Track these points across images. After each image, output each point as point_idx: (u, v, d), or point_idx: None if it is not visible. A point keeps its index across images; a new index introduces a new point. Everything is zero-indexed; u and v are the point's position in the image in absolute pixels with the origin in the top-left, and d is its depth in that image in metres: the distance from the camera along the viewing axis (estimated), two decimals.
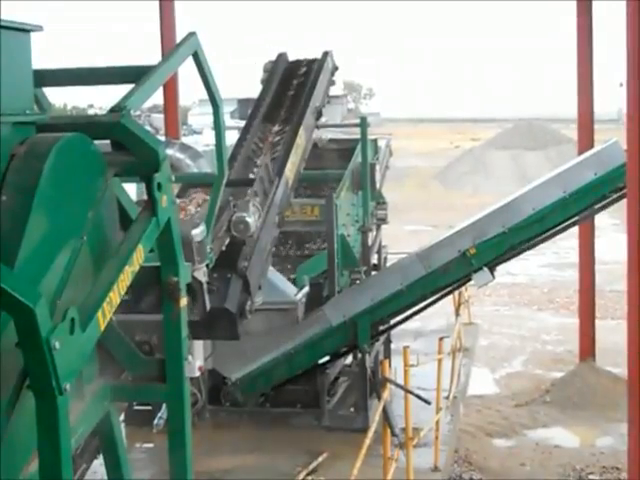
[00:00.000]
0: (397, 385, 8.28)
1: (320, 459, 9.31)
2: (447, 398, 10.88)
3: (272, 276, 9.83)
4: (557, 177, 10.44)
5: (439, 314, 16.30)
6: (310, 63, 11.23)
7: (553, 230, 10.49)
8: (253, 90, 10.97)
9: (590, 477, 12.11)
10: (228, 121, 14.01)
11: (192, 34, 5.72)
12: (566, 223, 10.51)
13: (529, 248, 10.76)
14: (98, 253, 4.28)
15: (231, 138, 10.14)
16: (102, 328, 3.76)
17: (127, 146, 4.40)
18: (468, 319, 15.50)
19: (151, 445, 9.90)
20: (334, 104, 12.97)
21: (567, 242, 22.61)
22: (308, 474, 8.99)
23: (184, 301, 4.64)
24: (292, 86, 10.90)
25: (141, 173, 4.44)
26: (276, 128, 10.28)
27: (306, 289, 10.30)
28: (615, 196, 10.14)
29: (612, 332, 16.01)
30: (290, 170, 9.73)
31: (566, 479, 12.05)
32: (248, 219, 8.53)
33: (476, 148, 61.52)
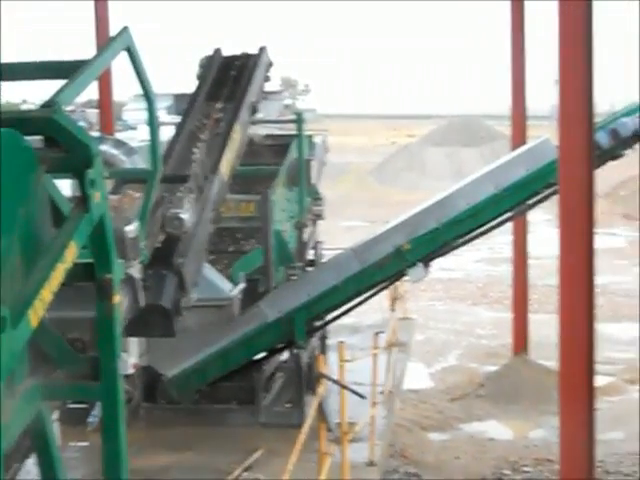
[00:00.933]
0: (332, 380, 8.31)
1: (256, 456, 9.30)
2: (383, 393, 10.93)
3: (208, 273, 9.78)
4: (490, 173, 10.56)
5: (375, 309, 16.39)
6: (245, 59, 11.20)
7: (487, 226, 10.61)
8: (189, 85, 10.93)
9: (523, 469, 12.28)
10: (164, 116, 13.92)
11: (125, 29, 5.69)
12: (499, 219, 10.63)
13: (463, 243, 10.86)
14: (30, 250, 4.23)
15: (167, 134, 10.10)
16: (34, 326, 3.72)
17: (59, 142, 4.35)
18: (404, 314, 15.59)
19: (86, 444, 9.80)
20: (270, 100, 12.92)
21: (501, 237, 22.81)
22: (243, 471, 8.98)
23: (117, 298, 4.61)
24: (227, 82, 10.86)
25: (73, 169, 4.40)
26: (211, 124, 10.24)
27: (242, 285, 10.28)
28: (547, 192, 10.28)
29: (545, 326, 16.20)
30: (225, 166, 9.69)
31: (500, 472, 12.21)
32: (183, 215, 8.49)
33: (412, 144, 61.86)
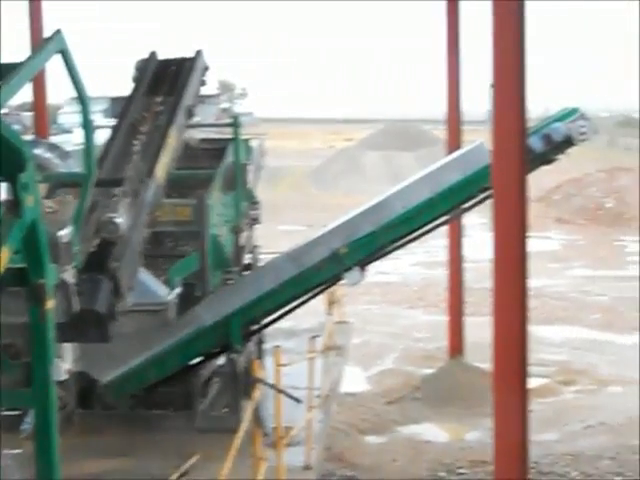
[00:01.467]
0: (268, 385, 8.30)
1: (192, 461, 9.25)
2: (319, 397, 10.95)
3: (143, 277, 9.73)
4: (426, 177, 10.64)
5: (312, 313, 16.41)
6: (181, 62, 11.15)
7: (423, 229, 10.69)
8: (126, 89, 10.86)
9: (459, 471, 12.38)
10: (101, 120, 13.84)
11: (58, 32, 5.64)
12: (435, 222, 10.72)
13: (400, 247, 10.92)
14: None
15: (103, 137, 10.02)
16: None
17: None
18: (341, 318, 15.64)
19: (19, 451, 9.67)
20: (207, 104, 12.93)
21: (437, 241, 23.00)
22: (180, 476, 8.92)
23: (51, 303, 4.57)
24: (163, 85, 10.81)
25: (5, 173, 4.36)
26: (147, 128, 10.18)
27: (178, 290, 10.24)
28: (481, 196, 10.40)
29: (481, 328, 16.29)
30: (161, 170, 9.64)
31: (436, 474, 12.29)
32: (118, 220, 8.43)
33: (349, 148, 62.09)
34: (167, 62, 11.11)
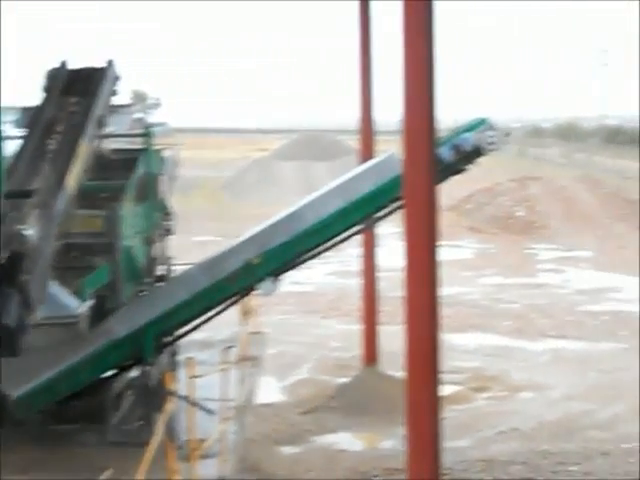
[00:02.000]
0: (180, 397, 8.26)
1: (104, 476, 9.12)
2: (234, 408, 10.91)
3: (54, 290, 9.60)
4: (338, 187, 10.71)
5: (227, 324, 16.36)
6: (92, 72, 11.07)
7: (336, 239, 10.75)
8: (36, 99, 10.72)
9: (374, 479, 12.43)
10: (11, 130, 13.57)
11: None
12: (348, 232, 10.79)
13: (313, 257, 10.97)
14: None
15: (13, 148, 9.87)
16: None
17: None
18: (255, 328, 15.60)
19: None
20: (120, 114, 12.74)
21: (352, 250, 23.14)
22: None
23: None
24: (73, 95, 10.71)
25: None
26: (57, 138, 10.07)
27: (90, 302, 10.12)
28: (393, 206, 10.49)
29: (395, 337, 16.44)
30: (72, 181, 9.55)
31: None
32: (28, 232, 8.33)
33: (264, 159, 62.17)
34: (78, 72, 11.01)
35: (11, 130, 12.43)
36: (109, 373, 10.69)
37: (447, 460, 12.15)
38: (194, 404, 8.35)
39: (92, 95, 10.63)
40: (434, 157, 8.01)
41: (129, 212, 11.18)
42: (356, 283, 20.92)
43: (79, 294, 10.36)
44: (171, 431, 7.64)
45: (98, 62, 11.34)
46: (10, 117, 12.87)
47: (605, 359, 18.70)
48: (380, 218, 11.10)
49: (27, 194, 8.74)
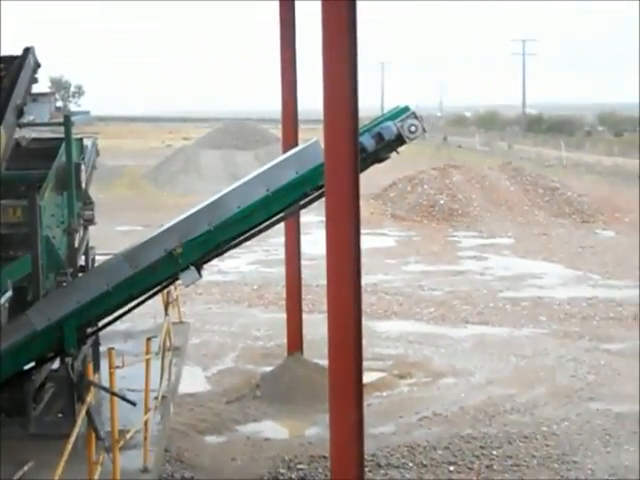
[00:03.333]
0: (101, 388, 8.18)
1: (25, 468, 9.02)
2: (157, 398, 10.85)
3: None
4: (261, 175, 10.67)
5: (150, 314, 16.25)
6: (10, 60, 10.89)
7: (258, 227, 10.71)
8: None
9: (299, 467, 12.49)
10: None
11: None
12: (271, 220, 10.76)
13: (236, 245, 10.92)
14: None
15: None
16: None
17: None
18: (179, 318, 15.54)
19: None
20: (41, 102, 12.55)
21: (277, 239, 23.17)
22: None
23: None
24: None
25: None
26: None
27: (9, 294, 9.96)
28: (316, 194, 10.49)
29: (320, 325, 16.54)
30: None
31: (276, 471, 12.36)
32: None
33: (187, 147, 61.84)
34: None
35: None
36: (30, 365, 10.53)
37: (370, 447, 12.31)
38: (115, 395, 8.27)
39: (10, 83, 10.45)
40: (356, 145, 8.05)
41: (49, 202, 11.01)
42: (280, 272, 20.97)
43: None
44: (93, 422, 7.57)
45: (17, 50, 11.17)
46: None
47: (526, 344, 19.02)
48: (303, 206, 11.09)
49: None
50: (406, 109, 10.95)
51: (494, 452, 12.94)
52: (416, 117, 10.87)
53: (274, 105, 19.57)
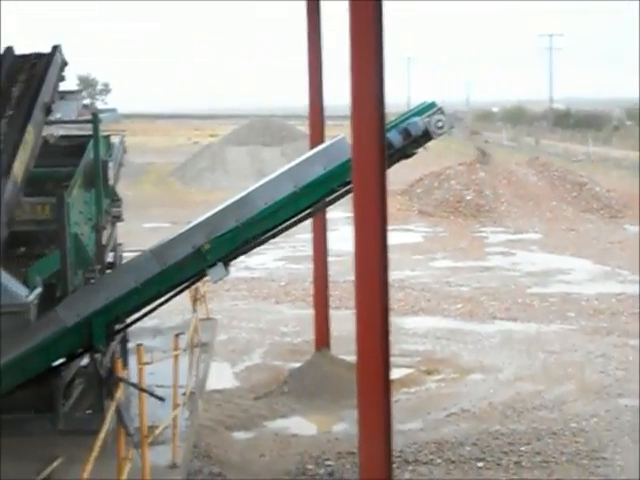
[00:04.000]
0: (130, 384, 8.21)
1: (55, 464, 9.08)
2: (185, 394, 10.89)
3: (2, 278, 9.50)
4: (288, 172, 10.68)
5: (178, 311, 16.33)
6: (38, 58, 10.94)
7: (286, 224, 10.73)
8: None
9: (327, 463, 12.49)
10: None
11: None
12: (298, 216, 10.77)
13: (263, 242, 10.94)
14: None
15: None
16: None
17: None
18: (206, 314, 15.58)
19: None
20: (68, 100, 12.63)
21: (303, 235, 23.17)
22: None
23: None
24: (19, 81, 10.58)
25: None
26: (3, 125, 9.94)
27: (38, 290, 10.02)
28: (343, 190, 10.49)
29: (347, 321, 16.52)
30: (18, 168, 9.44)
31: (304, 467, 12.37)
32: None
33: (214, 144, 61.93)
34: (24, 57, 10.88)
35: None
36: (59, 361, 10.59)
37: (398, 443, 12.29)
38: (144, 391, 8.31)
39: (38, 81, 10.50)
40: (383, 141, 8.03)
41: (77, 199, 11.07)
42: (307, 268, 20.98)
43: (27, 282, 10.27)
44: (122, 418, 7.60)
45: (45, 48, 11.22)
46: None
47: (554, 340, 18.93)
48: (330, 203, 11.09)
49: None
50: (433, 105, 10.93)
51: (522, 448, 12.89)
52: (443, 113, 10.85)
53: (300, 101, 19.59)
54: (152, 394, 8.31)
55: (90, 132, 11.68)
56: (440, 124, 10.67)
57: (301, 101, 17.63)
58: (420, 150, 11.05)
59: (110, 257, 12.34)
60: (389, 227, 8.09)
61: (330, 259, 17.12)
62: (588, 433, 13.47)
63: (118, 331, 11.03)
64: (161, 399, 8.54)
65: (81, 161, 11.52)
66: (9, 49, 10.88)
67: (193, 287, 12.34)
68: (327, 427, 14.31)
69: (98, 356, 10.29)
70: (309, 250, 17.63)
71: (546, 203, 39.81)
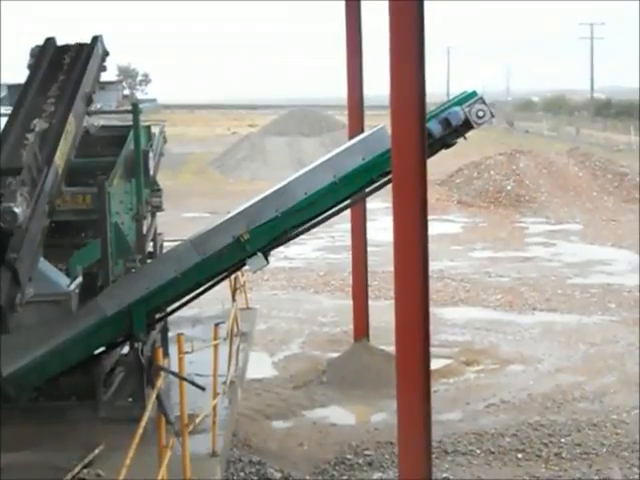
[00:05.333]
0: (170, 372, 8.26)
1: (96, 451, 9.16)
2: (225, 383, 10.94)
3: (43, 267, 9.58)
4: (327, 162, 10.67)
5: (217, 300, 16.38)
6: (79, 48, 10.99)
7: (325, 214, 10.72)
8: (23, 76, 10.64)
9: (365, 452, 12.50)
10: None
11: None
12: (338, 207, 10.76)
13: (303, 232, 10.95)
14: None
15: (1, 126, 9.82)
16: None
17: None
18: (246, 304, 15.63)
19: None
20: (108, 90, 12.70)
21: (342, 225, 23.16)
22: (83, 467, 8.82)
23: None
24: (60, 72, 10.63)
25: None
26: (45, 115, 10.00)
27: (79, 279, 10.10)
28: (383, 180, 10.46)
29: (385, 312, 16.50)
30: (60, 158, 9.50)
31: (343, 456, 12.39)
32: (16, 209, 8.29)
33: (253, 134, 62.07)
34: (64, 48, 10.93)
35: None
36: (100, 350, 10.68)
37: (437, 433, 12.26)
38: (184, 379, 8.35)
39: (79, 71, 10.55)
40: (423, 131, 8.00)
41: (118, 189, 11.14)
42: (346, 258, 20.98)
43: (68, 271, 10.36)
44: (162, 407, 7.65)
45: (86, 38, 11.27)
46: None
47: (595, 332, 18.80)
48: (369, 193, 11.07)
49: (15, 171, 8.70)
50: (474, 94, 10.86)
51: (563, 440, 12.82)
52: (484, 102, 10.78)
53: (340, 92, 19.55)
54: (193, 383, 8.35)
55: (130, 122, 11.72)
56: (481, 113, 10.60)
57: (340, 91, 17.60)
58: (459, 140, 10.99)
59: (150, 247, 12.41)
60: (428, 217, 8.07)
61: (369, 249, 17.10)
62: (629, 425, 13.38)
63: (158, 320, 11.10)
64: (202, 388, 8.58)
65: (122, 151, 11.59)
66: (50, 40, 10.93)
67: (233, 277, 12.38)
68: (366, 417, 14.33)
69: (138, 345, 10.36)
70: (348, 240, 17.63)
71: (587, 193, 39.48)
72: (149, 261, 11.64)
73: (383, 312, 17.08)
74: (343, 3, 16.26)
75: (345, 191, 10.53)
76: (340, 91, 18.09)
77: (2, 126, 9.80)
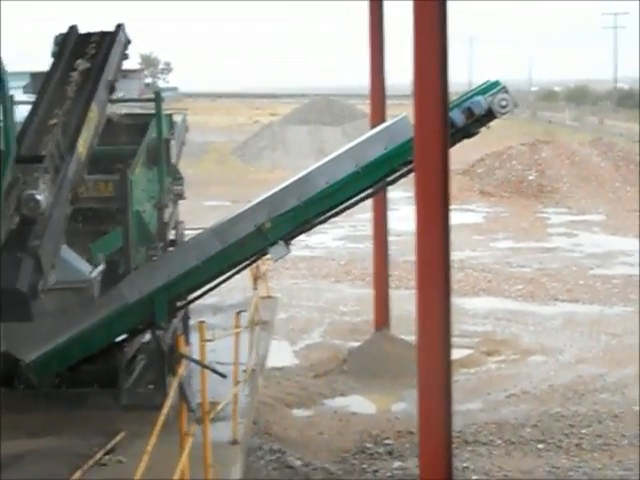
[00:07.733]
0: (192, 360, 8.27)
1: (118, 438, 9.19)
2: (245, 371, 10.96)
3: (66, 254, 9.60)
4: (349, 151, 10.64)
5: (238, 288, 16.40)
6: (102, 36, 11.00)
7: (347, 203, 10.70)
8: (46, 64, 10.68)
9: (386, 441, 12.51)
10: (21, 96, 13.59)
11: None
12: (359, 196, 10.74)
13: (324, 221, 10.93)
14: None
15: (24, 113, 9.86)
16: None
17: None
18: (267, 293, 15.65)
19: None
20: (130, 78, 12.74)
21: (363, 215, 23.15)
22: (105, 454, 8.86)
23: None
24: (83, 60, 10.66)
25: None
26: (67, 103, 10.04)
27: (101, 267, 10.12)
28: (404, 169, 10.43)
29: (406, 301, 16.51)
30: (82, 146, 9.53)
31: (363, 445, 12.41)
32: (38, 196, 8.33)
33: (274, 123, 62.01)
34: (87, 36, 10.95)
35: (21, 96, 12.42)
36: (121, 337, 10.72)
37: (458, 423, 12.26)
38: (206, 367, 8.37)
39: (102, 59, 10.58)
40: (446, 121, 7.98)
41: (140, 177, 11.16)
42: (367, 247, 20.97)
43: (91, 259, 10.39)
44: (184, 394, 7.67)
45: (108, 26, 11.29)
46: (20, 83, 12.85)
47: (616, 323, 18.73)
48: (391, 182, 11.04)
49: (38, 159, 8.73)
50: (497, 83, 10.80)
51: (583, 431, 12.79)
52: (507, 91, 10.71)
53: (362, 81, 19.51)
54: (214, 370, 8.36)
55: (152, 110, 11.74)
56: (504, 103, 10.54)
57: (362, 80, 17.57)
58: (481, 130, 10.94)
59: (172, 235, 12.43)
60: (450, 207, 8.05)
61: (390, 239, 17.09)
62: None
63: (180, 308, 11.12)
64: (223, 376, 8.59)
65: (144, 139, 11.61)
66: (73, 28, 10.95)
67: (254, 265, 12.40)
68: (386, 406, 14.34)
69: (160, 332, 10.39)
70: (369, 229, 17.62)
71: (609, 184, 39.29)
72: (171, 249, 11.67)
73: (404, 301, 17.09)
74: (347, 3, 16.21)
75: (367, 180, 10.50)
76: (363, 80, 18.04)
77: (25, 114, 9.84)
